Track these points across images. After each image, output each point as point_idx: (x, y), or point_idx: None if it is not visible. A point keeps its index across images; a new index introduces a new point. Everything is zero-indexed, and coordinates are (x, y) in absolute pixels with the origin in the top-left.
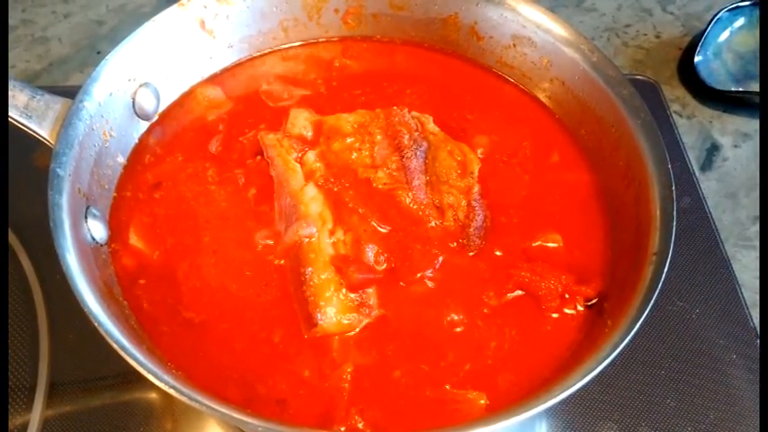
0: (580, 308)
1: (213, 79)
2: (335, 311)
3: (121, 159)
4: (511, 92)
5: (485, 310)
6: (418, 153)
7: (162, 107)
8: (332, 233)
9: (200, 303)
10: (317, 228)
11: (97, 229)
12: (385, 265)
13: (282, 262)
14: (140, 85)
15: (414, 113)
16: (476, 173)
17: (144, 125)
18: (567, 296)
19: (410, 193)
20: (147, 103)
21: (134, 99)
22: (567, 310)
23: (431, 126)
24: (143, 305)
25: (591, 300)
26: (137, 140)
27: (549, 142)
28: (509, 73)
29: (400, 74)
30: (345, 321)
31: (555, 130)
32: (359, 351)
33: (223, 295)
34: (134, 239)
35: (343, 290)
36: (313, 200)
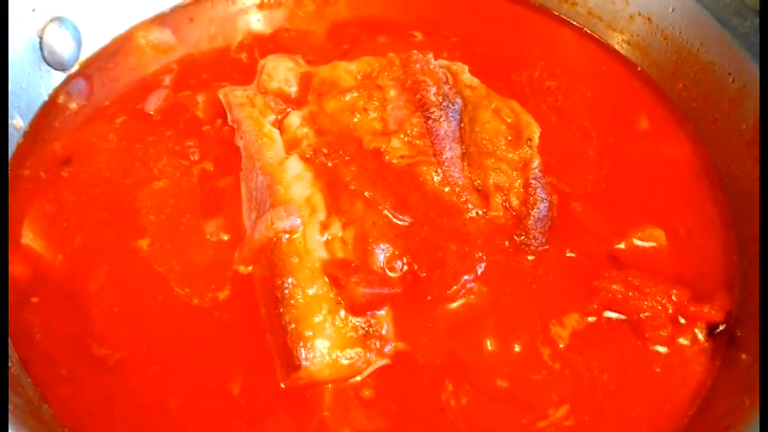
0: (701, 337)
1: (160, 19)
2: (329, 346)
3: (21, 123)
4: (573, 39)
5: (558, 344)
6: (450, 113)
7: (85, 53)
8: (325, 227)
9: (118, 334)
10: (301, 219)
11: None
12: (404, 274)
13: (250, 269)
14: (51, 20)
15: (442, 61)
16: (535, 140)
17: (57, 77)
18: (681, 320)
19: (439, 170)
20: (62, 46)
21: (42, 39)
22: (682, 341)
23: (467, 77)
24: (34, 335)
25: (717, 326)
26: (45, 98)
27: (632, 103)
28: (571, 13)
29: (427, 18)
30: (345, 361)
31: (639, 87)
32: (365, 410)
33: (154, 322)
34: (29, 237)
35: (342, 312)
36: (297, 179)
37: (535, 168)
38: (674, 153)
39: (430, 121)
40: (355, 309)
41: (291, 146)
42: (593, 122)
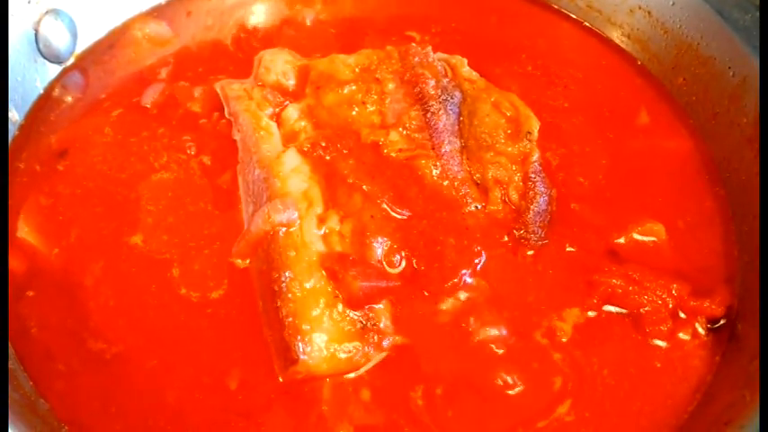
0: (702, 331)
1: (157, 12)
2: (327, 340)
3: (16, 116)
4: (573, 32)
5: (558, 339)
6: (449, 106)
7: (80, 46)
8: (322, 220)
9: (114, 328)
10: (299, 212)
11: None
12: (403, 268)
13: (247, 263)
14: (47, 12)
15: (441, 54)
16: (535, 134)
17: (52, 69)
18: (681, 315)
19: (438, 163)
20: (58, 38)
21: (37, 31)
22: (682, 336)
23: (465, 70)
24: (30, 329)
25: (717, 320)
26: (41, 90)
27: (632, 97)
28: (570, 6)
29: (420, 12)
30: (343, 355)
31: (639, 81)
32: (363, 404)
33: (151, 316)
34: (24, 231)
35: (339, 306)
36: (294, 172)
37: (534, 162)
38: (673, 147)
39: (429, 115)
40: (353, 302)
41: (289, 139)
42: (592, 117)
